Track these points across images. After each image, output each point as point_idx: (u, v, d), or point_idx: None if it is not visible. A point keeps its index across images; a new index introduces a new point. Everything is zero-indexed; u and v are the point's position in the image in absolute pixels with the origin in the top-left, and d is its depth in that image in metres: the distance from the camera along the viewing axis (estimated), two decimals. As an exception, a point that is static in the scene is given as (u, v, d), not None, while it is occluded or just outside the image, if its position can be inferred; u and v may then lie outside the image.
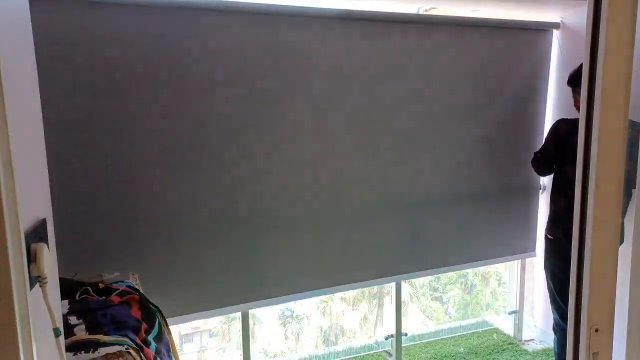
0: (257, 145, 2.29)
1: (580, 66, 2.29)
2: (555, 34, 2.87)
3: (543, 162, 2.52)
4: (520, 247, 3.05)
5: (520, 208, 3.00)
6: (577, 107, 2.34)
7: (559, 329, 2.48)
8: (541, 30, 2.83)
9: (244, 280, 2.37)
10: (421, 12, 2.54)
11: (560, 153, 2.39)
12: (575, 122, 2.39)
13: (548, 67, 2.89)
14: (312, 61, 2.32)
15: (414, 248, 2.74)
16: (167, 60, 2.05)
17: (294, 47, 2.27)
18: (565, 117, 2.46)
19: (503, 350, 3.01)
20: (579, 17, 2.76)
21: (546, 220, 2.52)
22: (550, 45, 2.87)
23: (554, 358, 2.61)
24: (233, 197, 2.26)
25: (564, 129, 2.38)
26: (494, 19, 2.70)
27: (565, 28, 2.84)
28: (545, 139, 2.52)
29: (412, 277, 2.82)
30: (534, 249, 3.09)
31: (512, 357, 2.93)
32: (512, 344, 3.08)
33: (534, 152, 2.56)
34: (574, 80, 2.34)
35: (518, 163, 2.91)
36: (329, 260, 2.54)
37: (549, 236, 2.47)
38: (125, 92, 2.01)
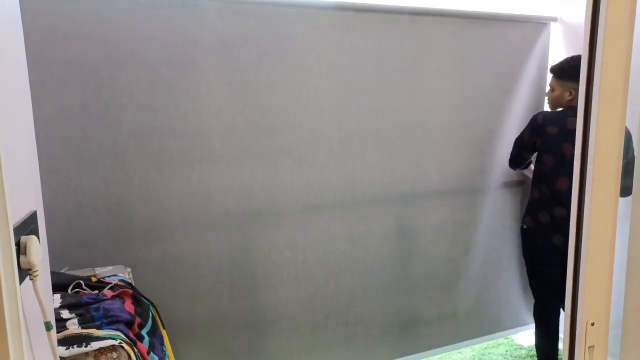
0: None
1: (563, 61, 2.38)
2: (553, 27, 2.86)
3: (515, 151, 2.62)
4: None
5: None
6: (548, 99, 2.48)
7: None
8: (538, 23, 2.82)
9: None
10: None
11: (537, 143, 2.46)
12: (552, 114, 2.45)
13: (546, 61, 2.87)
14: (303, 55, 2.28)
15: (412, 328, 2.76)
16: (163, 53, 2.03)
17: (284, 39, 2.24)
18: (544, 110, 2.52)
19: (498, 344, 3.02)
20: (577, 10, 2.75)
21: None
22: (548, 39, 2.86)
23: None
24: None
25: (541, 119, 2.44)
26: (489, 12, 2.67)
27: (563, 22, 2.83)
28: (523, 130, 2.59)
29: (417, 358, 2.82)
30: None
31: (507, 351, 2.94)
32: (507, 338, 3.09)
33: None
34: (553, 71, 2.43)
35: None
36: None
37: (523, 225, 2.54)
38: (120, 85, 1.99)
